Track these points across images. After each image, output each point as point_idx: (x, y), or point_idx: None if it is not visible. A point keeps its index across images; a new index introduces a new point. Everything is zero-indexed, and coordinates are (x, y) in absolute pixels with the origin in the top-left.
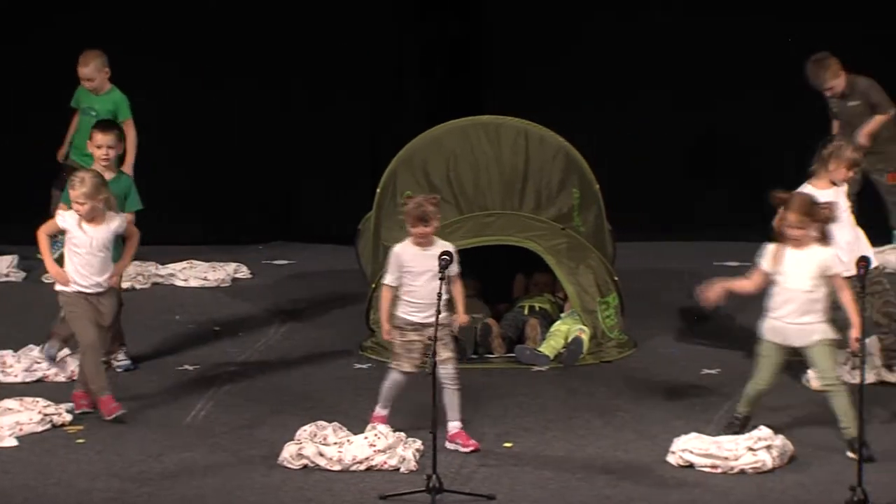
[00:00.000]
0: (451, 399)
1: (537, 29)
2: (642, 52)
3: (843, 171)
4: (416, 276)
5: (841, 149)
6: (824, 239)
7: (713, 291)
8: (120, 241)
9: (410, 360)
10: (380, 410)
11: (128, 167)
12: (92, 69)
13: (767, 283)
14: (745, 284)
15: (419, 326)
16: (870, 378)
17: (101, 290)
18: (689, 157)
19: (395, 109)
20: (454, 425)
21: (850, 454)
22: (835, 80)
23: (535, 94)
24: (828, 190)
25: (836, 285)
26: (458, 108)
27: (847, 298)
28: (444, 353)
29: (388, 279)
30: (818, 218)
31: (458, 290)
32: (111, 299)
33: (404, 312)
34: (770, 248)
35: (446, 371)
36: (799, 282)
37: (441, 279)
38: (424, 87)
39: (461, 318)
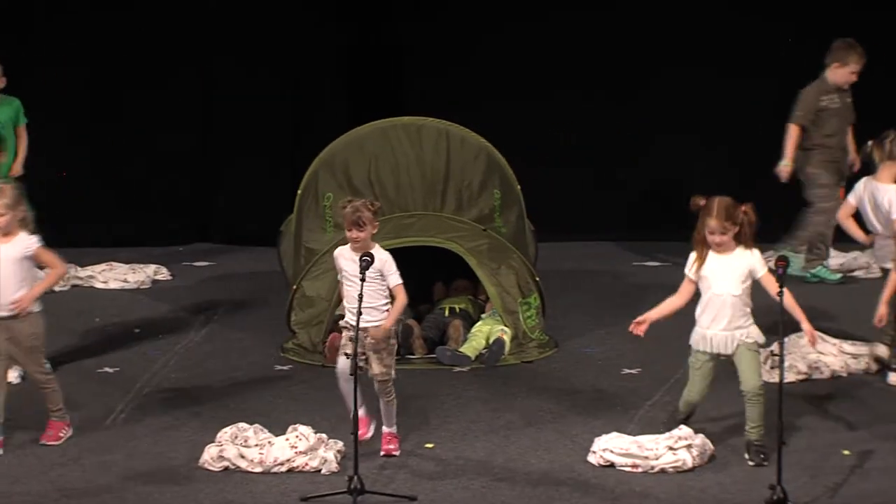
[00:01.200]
0: (384, 408)
1: (459, 30)
2: (566, 51)
3: None
4: (349, 280)
5: None
6: (746, 241)
7: (642, 328)
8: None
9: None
10: (361, 412)
11: (18, 168)
12: None
13: (696, 292)
14: (675, 302)
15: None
16: (790, 377)
17: (11, 314)
18: (609, 158)
19: (317, 111)
20: (384, 430)
21: (746, 456)
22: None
23: (456, 95)
24: (891, 185)
25: (766, 286)
26: (380, 110)
27: (785, 297)
28: (376, 367)
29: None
30: (738, 221)
31: (398, 300)
32: (30, 324)
33: (347, 317)
34: (692, 255)
35: (377, 385)
36: (726, 286)
37: (361, 280)
38: (345, 89)
39: (383, 325)
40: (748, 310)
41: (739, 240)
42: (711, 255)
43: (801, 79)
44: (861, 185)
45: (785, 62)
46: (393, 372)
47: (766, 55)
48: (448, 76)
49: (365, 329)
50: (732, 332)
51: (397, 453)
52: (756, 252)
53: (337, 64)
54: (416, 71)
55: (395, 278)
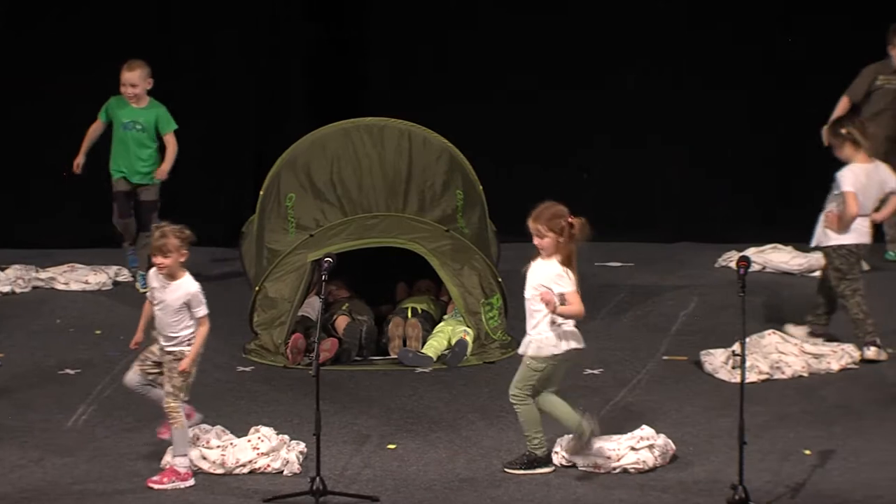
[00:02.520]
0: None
1: (421, 30)
2: (525, 53)
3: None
4: (156, 304)
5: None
6: (563, 252)
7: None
8: None
9: (141, 365)
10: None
11: (163, 174)
12: (137, 76)
13: None
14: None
15: (162, 352)
16: (751, 377)
17: None
18: (572, 159)
19: (279, 111)
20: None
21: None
22: None
23: (418, 96)
24: (869, 164)
25: (570, 303)
26: (342, 110)
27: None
28: (166, 385)
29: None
30: (558, 229)
31: (202, 329)
32: None
33: (161, 343)
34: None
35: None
36: (528, 291)
37: (324, 281)
38: (308, 89)
39: (183, 363)
40: (538, 317)
41: (561, 251)
42: (537, 261)
43: (772, 85)
44: (860, 172)
45: (758, 67)
46: (182, 395)
47: (736, 61)
48: (414, 76)
49: (169, 353)
50: (529, 335)
51: (158, 488)
52: (559, 267)
53: (302, 63)
54: (380, 71)
55: (201, 310)
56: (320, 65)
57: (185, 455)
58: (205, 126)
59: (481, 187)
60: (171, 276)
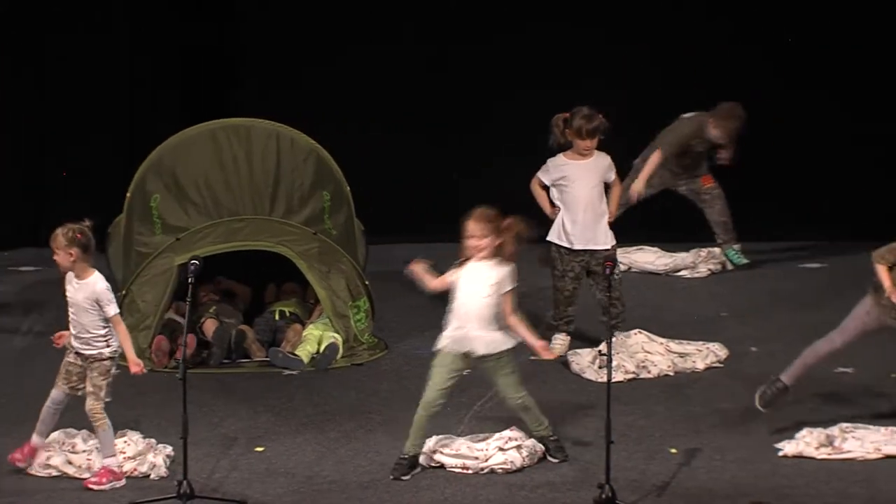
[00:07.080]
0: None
1: (292, 32)
2: (396, 70)
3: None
4: (70, 306)
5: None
6: (504, 254)
7: (418, 270)
8: None
9: (68, 381)
10: (35, 439)
11: None
12: None
13: (447, 289)
14: (432, 281)
15: (79, 357)
16: (617, 377)
17: None
18: (447, 162)
19: (148, 113)
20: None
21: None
22: None
23: (288, 97)
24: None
25: (504, 304)
26: (210, 112)
27: (512, 321)
28: (88, 386)
29: None
30: (499, 231)
31: (121, 332)
32: None
33: (74, 343)
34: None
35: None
36: (473, 295)
37: (191, 283)
38: (177, 91)
39: (132, 365)
40: (495, 318)
41: (499, 252)
42: (470, 263)
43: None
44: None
45: (631, 84)
46: (103, 395)
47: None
48: (283, 77)
49: (87, 358)
50: (481, 336)
51: (97, 488)
52: (507, 267)
53: (172, 65)
54: (248, 74)
55: (111, 308)
56: (190, 67)
57: (115, 455)
58: (72, 127)
59: (349, 188)
60: (79, 275)
